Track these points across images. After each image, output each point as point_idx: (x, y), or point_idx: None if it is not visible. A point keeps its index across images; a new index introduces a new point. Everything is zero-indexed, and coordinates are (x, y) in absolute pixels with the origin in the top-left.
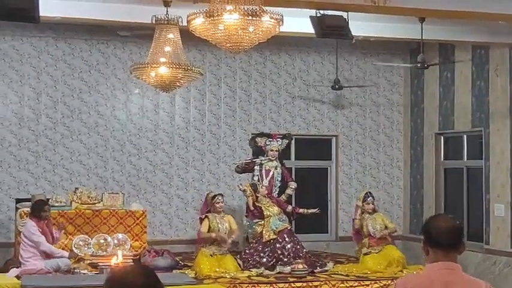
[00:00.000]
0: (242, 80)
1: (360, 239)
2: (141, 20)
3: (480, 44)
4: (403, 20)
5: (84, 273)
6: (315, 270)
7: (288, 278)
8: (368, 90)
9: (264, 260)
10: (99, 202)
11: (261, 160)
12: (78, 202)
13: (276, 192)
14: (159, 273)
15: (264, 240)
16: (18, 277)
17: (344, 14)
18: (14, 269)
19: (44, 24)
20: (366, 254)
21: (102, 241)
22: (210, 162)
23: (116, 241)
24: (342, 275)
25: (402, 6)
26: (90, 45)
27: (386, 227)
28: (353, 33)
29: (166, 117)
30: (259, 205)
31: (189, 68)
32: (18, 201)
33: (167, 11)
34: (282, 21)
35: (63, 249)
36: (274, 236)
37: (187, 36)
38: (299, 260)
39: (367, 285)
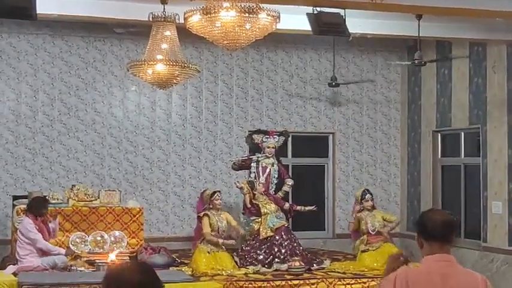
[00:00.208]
0: (239, 77)
1: (358, 236)
2: (138, 17)
3: (477, 41)
4: (400, 17)
5: (80, 271)
6: (312, 268)
7: (285, 276)
8: (365, 87)
9: (261, 257)
10: (96, 199)
11: (258, 157)
12: (75, 199)
13: (273, 189)
14: (155, 270)
15: (261, 238)
16: (15, 274)
17: (341, 11)
18: (11, 266)
19: (41, 21)
20: (363, 251)
21: (98, 238)
22: (206, 160)
23: (112, 238)
24: (339, 272)
25: (399, 3)
26: (87, 43)
27: (388, 222)
28: (350, 31)
29: (163, 115)
30: (256, 202)
31: (185, 65)
32: (15, 198)
33: (164, 8)
34: (279, 19)
35: (60, 246)
36: (271, 234)
37: (184, 33)
38: (296, 258)
39: (364, 282)
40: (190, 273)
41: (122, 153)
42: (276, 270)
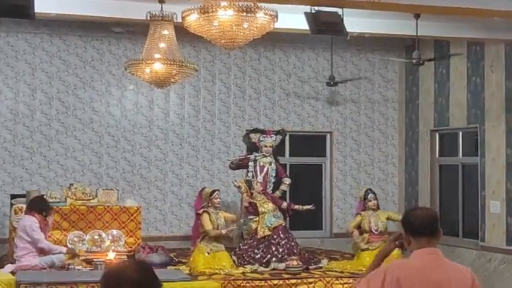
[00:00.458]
0: (237, 76)
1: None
2: (135, 16)
3: (475, 40)
4: (398, 16)
5: (78, 269)
6: (310, 267)
7: (283, 275)
8: (363, 86)
9: (259, 256)
10: (94, 198)
11: (255, 156)
12: (72, 198)
13: (271, 188)
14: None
15: (258, 237)
16: (13, 273)
17: (339, 11)
18: (9, 264)
19: (39, 20)
20: (363, 249)
21: (96, 237)
22: (204, 159)
23: (110, 237)
24: (337, 271)
25: (397, 3)
26: (84, 42)
27: (394, 221)
28: (348, 30)
29: (161, 114)
30: (254, 201)
31: (183, 64)
32: (12, 197)
33: (162, 7)
34: (277, 18)
35: (57, 245)
36: (269, 233)
37: (182, 32)
38: (293, 257)
39: None
40: (188, 272)
41: (120, 152)
42: (273, 269)
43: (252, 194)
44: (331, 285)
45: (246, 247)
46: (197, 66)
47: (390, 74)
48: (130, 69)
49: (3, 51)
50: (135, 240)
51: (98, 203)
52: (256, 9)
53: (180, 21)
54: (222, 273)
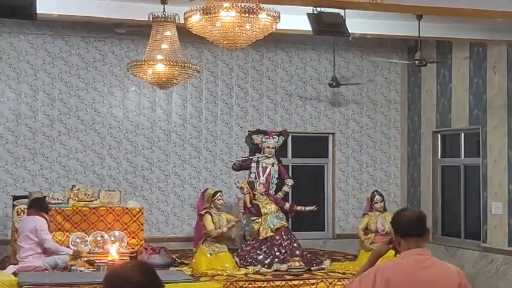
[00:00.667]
0: (239, 77)
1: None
2: (138, 17)
3: (478, 41)
4: (401, 17)
5: (81, 271)
6: (312, 268)
7: (285, 276)
8: (365, 87)
9: (261, 257)
10: (96, 199)
11: (258, 157)
12: (75, 199)
13: (273, 189)
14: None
15: (261, 238)
16: (15, 274)
17: (341, 12)
18: (11, 266)
19: (41, 21)
20: (368, 250)
21: (99, 238)
22: (206, 160)
23: (112, 238)
24: (339, 272)
25: (399, 4)
26: (87, 43)
27: None
28: (350, 31)
29: (163, 115)
30: (257, 203)
31: (185, 65)
32: (15, 198)
33: (164, 9)
34: (279, 19)
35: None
36: (271, 234)
37: (184, 33)
38: (296, 258)
39: None
40: (190, 273)
41: (122, 153)
42: (275, 270)
43: (254, 195)
44: (333, 286)
45: (248, 248)
46: (199, 67)
47: (392, 75)
48: (133, 71)
49: (6, 52)
50: (137, 241)
51: (100, 204)
52: (258, 10)
53: (183, 22)
54: (225, 274)
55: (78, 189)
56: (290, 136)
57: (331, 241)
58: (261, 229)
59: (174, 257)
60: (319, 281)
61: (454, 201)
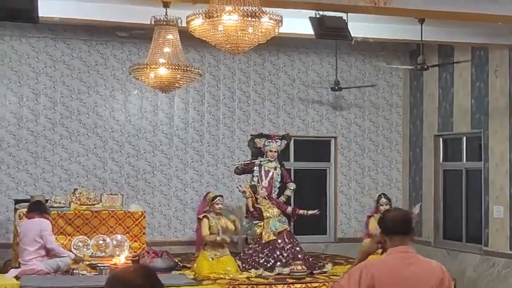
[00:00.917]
0: (241, 81)
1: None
2: (140, 20)
3: (480, 45)
4: (403, 21)
5: (83, 274)
6: (314, 272)
7: (287, 279)
8: (367, 91)
9: (263, 261)
10: (98, 203)
11: (260, 161)
12: (77, 203)
13: (276, 193)
14: (158, 274)
15: (263, 242)
16: (17, 278)
17: (343, 15)
18: (13, 269)
19: (43, 24)
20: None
21: (101, 242)
22: (208, 163)
23: (114, 242)
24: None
25: (402, 7)
26: (89, 46)
27: None
28: (352, 35)
29: (165, 118)
30: (259, 206)
31: (188, 68)
32: (17, 202)
33: (166, 12)
34: (282, 22)
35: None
36: (274, 237)
37: (186, 37)
38: (298, 262)
39: None
40: (192, 277)
41: (124, 157)
42: (278, 274)
43: (257, 199)
44: None
45: (250, 252)
46: (201, 70)
47: (394, 79)
48: (135, 74)
49: (7, 56)
50: (139, 245)
51: (102, 208)
52: (261, 14)
53: (185, 25)
54: (227, 277)
55: (80, 193)
56: (292, 140)
57: (333, 245)
58: (263, 233)
59: (176, 260)
60: (321, 284)
61: (455, 205)
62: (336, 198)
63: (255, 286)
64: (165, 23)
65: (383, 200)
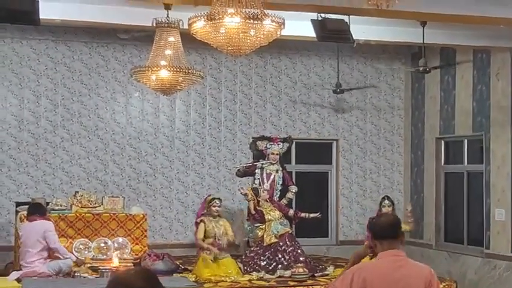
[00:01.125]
0: (243, 83)
1: None
2: (141, 23)
3: (481, 48)
4: (405, 24)
5: (84, 277)
6: (316, 274)
7: (289, 282)
8: (368, 94)
9: (265, 263)
10: (100, 206)
11: (262, 164)
12: (78, 206)
13: (277, 196)
14: (159, 277)
15: (265, 244)
16: (18, 280)
17: (345, 18)
18: (15, 272)
19: (44, 27)
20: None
21: (102, 245)
22: (210, 166)
23: (116, 245)
24: None
25: (404, 10)
26: (90, 48)
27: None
28: (354, 37)
29: (167, 121)
30: (261, 209)
31: (189, 71)
32: (18, 204)
33: (168, 14)
34: (284, 25)
35: None
36: (275, 240)
37: (188, 39)
38: (299, 264)
39: None
40: (193, 279)
41: (125, 160)
42: (279, 276)
43: (258, 201)
44: None
45: (252, 254)
46: (203, 73)
47: (396, 82)
48: (136, 76)
49: (8, 58)
50: (141, 247)
51: (104, 210)
52: (263, 17)
53: (186, 28)
54: (228, 280)
55: (81, 196)
56: (294, 142)
57: (335, 247)
58: (265, 235)
59: (178, 263)
60: (322, 287)
61: (457, 208)
62: (338, 200)
63: None
64: (166, 25)
65: (386, 202)
